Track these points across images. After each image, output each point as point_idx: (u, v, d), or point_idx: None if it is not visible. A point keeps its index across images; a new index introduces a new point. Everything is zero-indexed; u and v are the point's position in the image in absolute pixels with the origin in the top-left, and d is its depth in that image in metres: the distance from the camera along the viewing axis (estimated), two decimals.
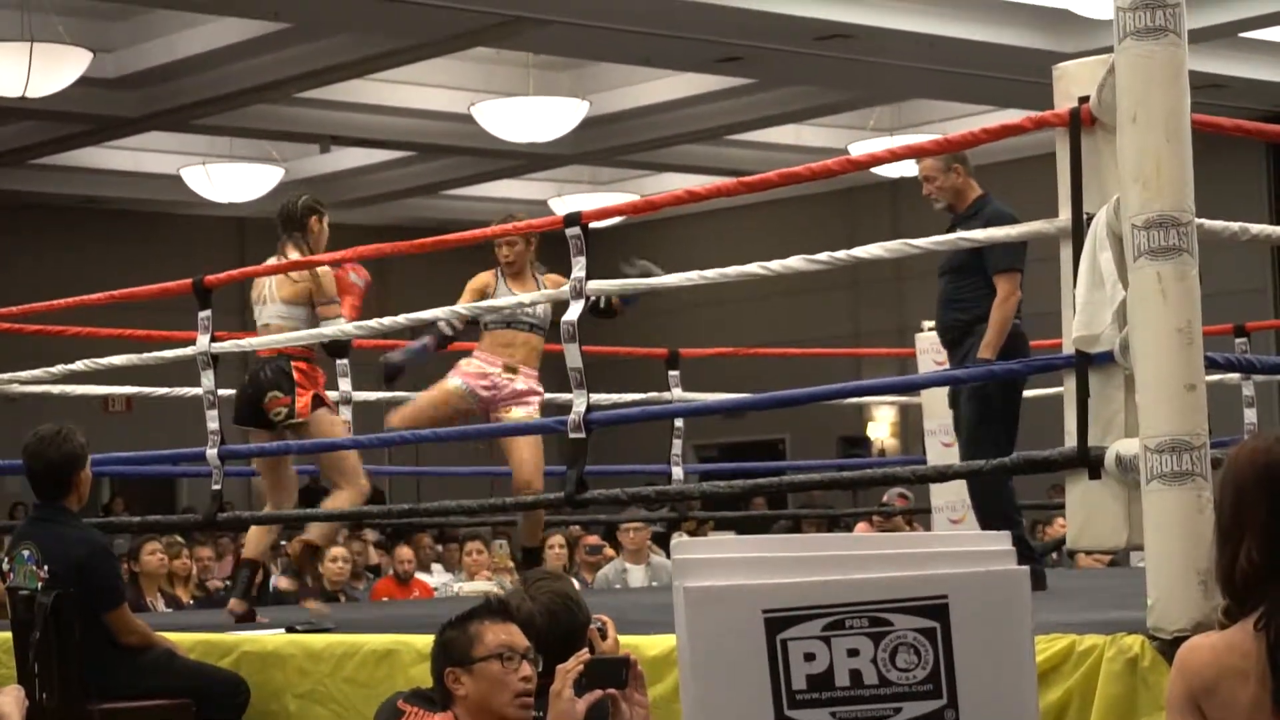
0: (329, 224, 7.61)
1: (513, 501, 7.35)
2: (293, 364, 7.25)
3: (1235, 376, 8.32)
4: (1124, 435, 4.54)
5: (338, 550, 11.29)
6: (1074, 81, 4.79)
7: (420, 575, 11.91)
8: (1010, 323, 6.75)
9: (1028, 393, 8.95)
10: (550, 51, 15.69)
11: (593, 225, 6.04)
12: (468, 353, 7.79)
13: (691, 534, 11.10)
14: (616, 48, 14.97)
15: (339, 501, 7.38)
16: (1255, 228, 5.55)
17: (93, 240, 19.96)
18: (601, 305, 7.24)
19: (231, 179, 17.97)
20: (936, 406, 8.73)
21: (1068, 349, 4.76)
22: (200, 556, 12.01)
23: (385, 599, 11.13)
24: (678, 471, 8.88)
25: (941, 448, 8.98)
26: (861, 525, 11.84)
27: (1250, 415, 8.73)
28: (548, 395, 8.97)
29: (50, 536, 6.22)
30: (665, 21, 13.88)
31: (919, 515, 11.36)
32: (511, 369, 7.60)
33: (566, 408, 6.08)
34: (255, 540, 7.65)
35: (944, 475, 6.36)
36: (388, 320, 6.97)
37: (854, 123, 18.09)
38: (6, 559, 6.44)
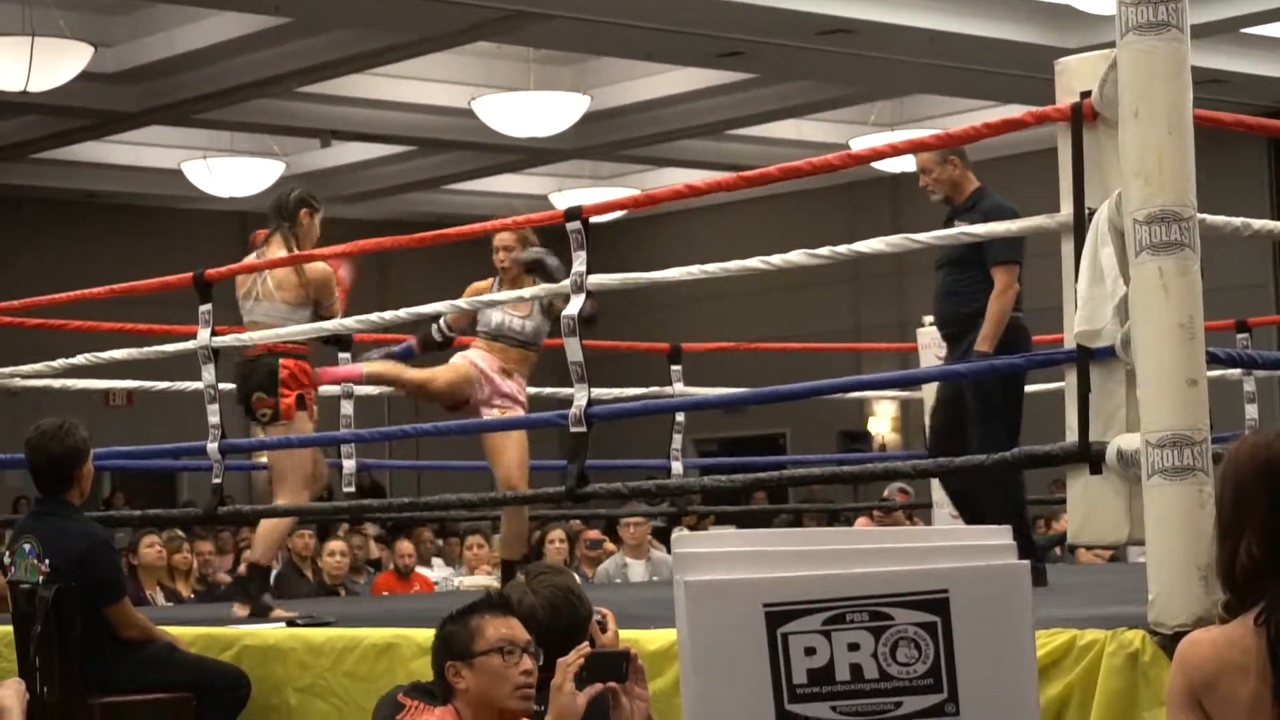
0: (324, 218, 7.57)
1: (513, 495, 7.35)
2: (282, 362, 7.23)
3: (1236, 372, 8.33)
4: (1125, 430, 4.54)
5: (335, 544, 11.30)
6: (1076, 76, 4.79)
7: (421, 569, 11.91)
8: (1007, 315, 6.74)
9: (1029, 388, 8.96)
10: (551, 46, 15.68)
11: (593, 220, 6.03)
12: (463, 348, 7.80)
13: (692, 528, 11.10)
14: (618, 42, 14.96)
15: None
16: (1257, 223, 5.56)
17: (93, 234, 19.96)
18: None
19: (232, 173, 17.98)
20: None
21: (1069, 344, 4.76)
22: (201, 551, 12.02)
23: (386, 593, 11.13)
24: (678, 466, 8.89)
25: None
26: (862, 520, 11.84)
27: (1251, 411, 8.73)
28: (549, 390, 8.99)
29: (51, 530, 6.22)
30: (666, 16, 13.88)
31: (919, 510, 11.37)
32: (506, 372, 7.61)
33: (567, 402, 6.08)
34: (265, 542, 7.62)
35: (945, 470, 6.36)
36: (389, 314, 6.97)
37: (855, 118, 18.10)
38: (8, 552, 6.44)
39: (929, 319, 8.61)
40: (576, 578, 4.94)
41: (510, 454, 7.51)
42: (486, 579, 10.34)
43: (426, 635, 4.62)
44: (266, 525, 7.56)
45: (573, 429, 5.94)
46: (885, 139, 16.33)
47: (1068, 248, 4.79)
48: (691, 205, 19.69)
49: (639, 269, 6.35)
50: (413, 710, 4.27)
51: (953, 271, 6.94)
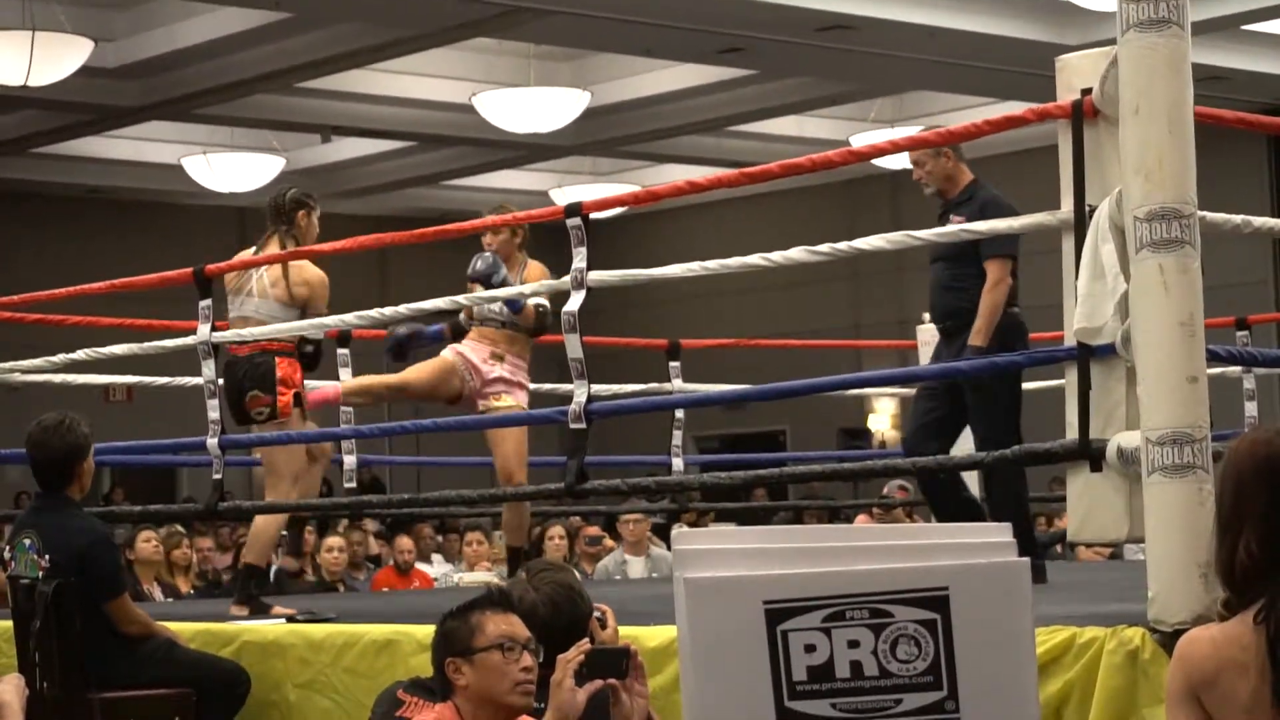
0: (324, 214, 7.55)
1: (513, 491, 7.35)
2: (278, 360, 7.20)
3: (1236, 369, 8.32)
4: (1125, 428, 4.54)
5: (334, 540, 11.30)
6: (1076, 73, 4.79)
7: (420, 565, 11.91)
8: (1000, 309, 6.72)
9: (1029, 385, 8.96)
10: (551, 42, 15.68)
11: (593, 216, 6.03)
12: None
13: (692, 525, 11.11)
14: (618, 38, 14.96)
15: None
16: (1257, 220, 5.56)
17: (94, 229, 19.96)
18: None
19: (232, 168, 17.97)
20: None
21: (1069, 341, 4.76)
22: (201, 548, 12.03)
23: (385, 589, 11.13)
24: (678, 463, 8.89)
25: None
26: (862, 517, 11.84)
27: (1251, 408, 8.73)
28: (548, 386, 8.98)
29: (52, 526, 6.22)
30: (666, 12, 13.88)
31: (919, 507, 11.36)
32: (498, 356, 7.62)
33: (567, 398, 6.08)
34: (259, 543, 7.61)
35: (944, 467, 6.36)
36: (389, 310, 6.97)
37: (855, 114, 18.09)
38: (8, 548, 6.45)
39: (929, 315, 8.61)
40: (577, 574, 4.95)
41: (507, 443, 7.52)
42: (486, 575, 10.34)
43: (426, 631, 4.62)
44: (260, 525, 7.55)
45: (572, 425, 5.94)
46: (885, 136, 16.32)
47: (1068, 245, 4.79)
48: (691, 202, 19.69)
49: (639, 265, 6.35)
50: (412, 706, 4.27)
51: (949, 265, 6.92)
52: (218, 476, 7.20)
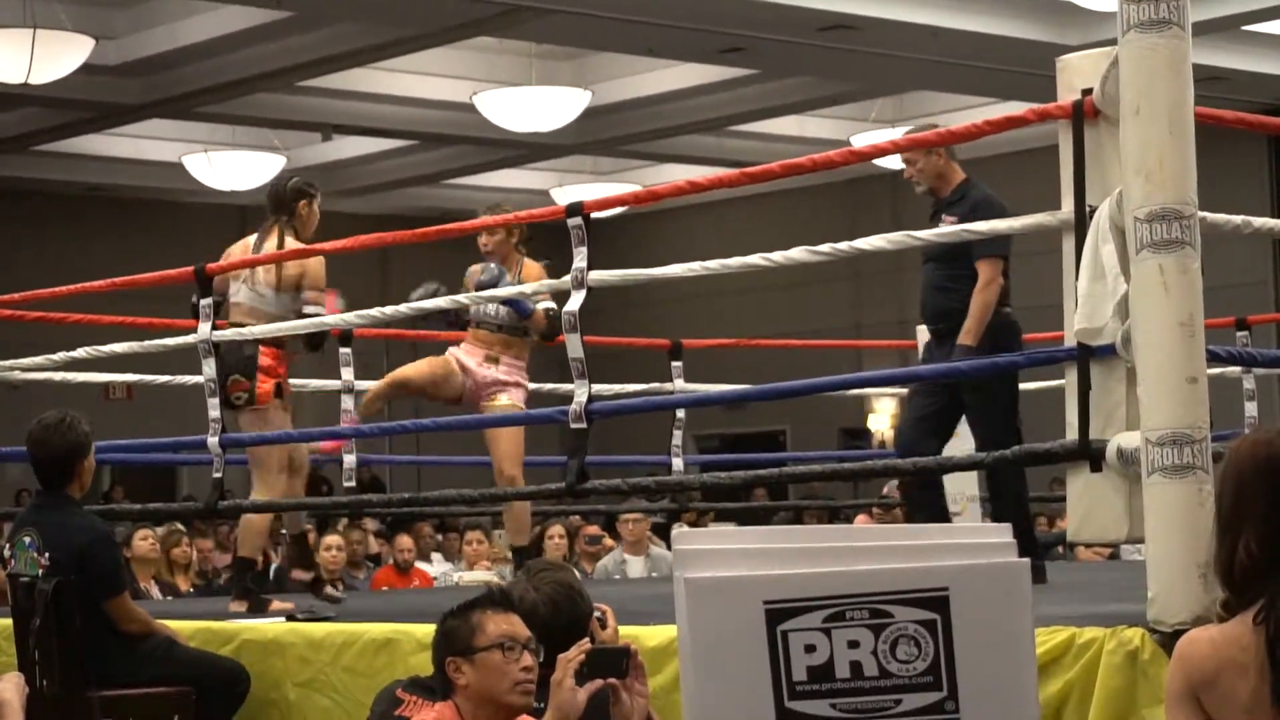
0: (322, 208, 7.55)
1: (513, 491, 7.35)
2: (262, 349, 7.22)
3: (1236, 370, 8.32)
4: (1125, 428, 4.54)
5: (332, 539, 11.30)
6: (1077, 74, 4.79)
7: (420, 564, 11.91)
8: (991, 309, 6.71)
9: (1029, 385, 8.96)
10: (552, 41, 15.68)
11: (594, 216, 6.03)
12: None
13: (692, 525, 11.11)
14: (619, 38, 14.96)
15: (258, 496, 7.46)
16: (1257, 221, 5.56)
17: (94, 227, 19.96)
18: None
19: (233, 167, 17.97)
20: None
21: (1069, 341, 4.76)
22: (202, 549, 12.04)
23: (385, 588, 11.13)
24: (678, 462, 8.89)
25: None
26: (862, 517, 11.84)
27: (1251, 409, 8.73)
28: (549, 386, 8.98)
29: (52, 524, 6.22)
30: (668, 12, 13.87)
31: None
32: (492, 359, 7.62)
33: (568, 398, 6.08)
34: (248, 536, 7.63)
35: (944, 468, 6.37)
36: (389, 309, 6.97)
37: (856, 114, 18.09)
38: (8, 545, 6.45)
39: (920, 316, 8.59)
40: (576, 574, 4.95)
41: (501, 443, 7.52)
42: (486, 574, 10.34)
43: (426, 630, 4.62)
44: (247, 520, 7.58)
45: (573, 425, 5.94)
46: (886, 136, 16.32)
47: (1069, 245, 4.78)
48: (692, 201, 19.68)
49: (640, 265, 6.35)
50: (411, 705, 4.27)
51: (941, 266, 6.89)
52: (218, 475, 7.20)
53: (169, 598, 10.17)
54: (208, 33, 15.05)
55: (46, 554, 6.15)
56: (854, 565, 2.78)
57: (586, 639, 4.06)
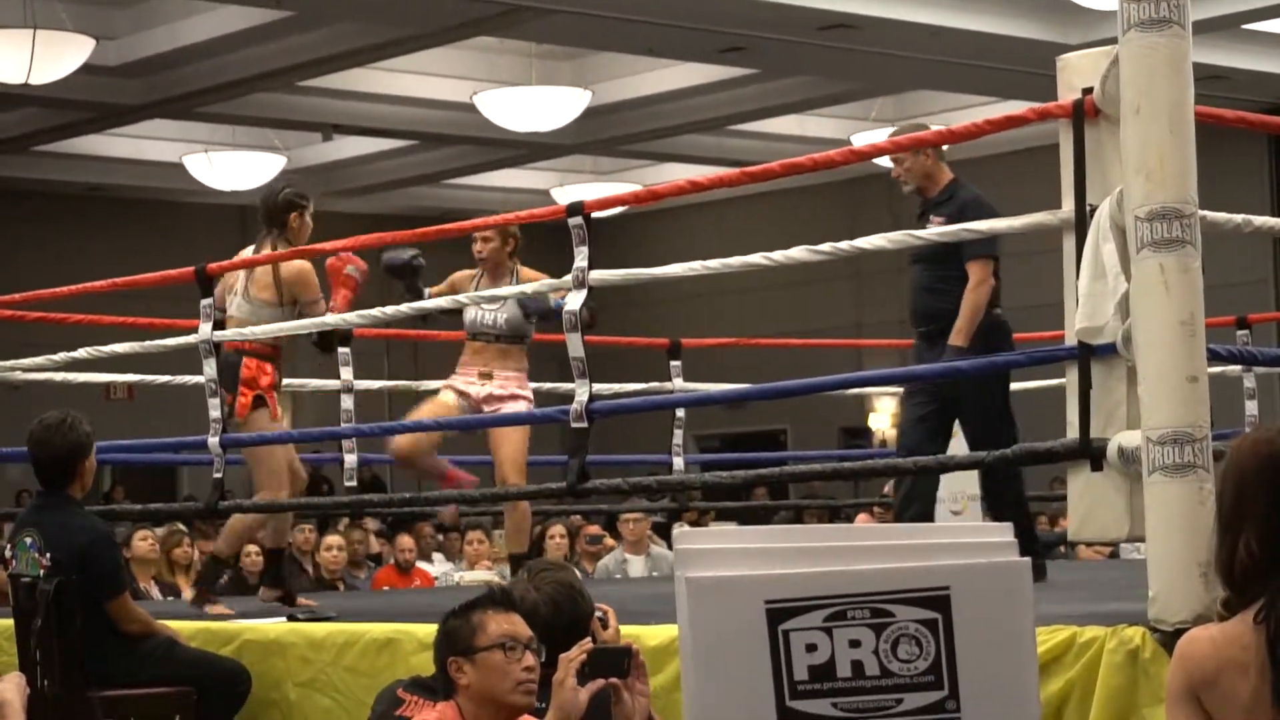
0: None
1: (515, 491, 7.35)
2: (245, 361, 7.21)
3: (1237, 369, 8.32)
4: (1126, 427, 4.54)
5: (332, 539, 11.31)
6: (1077, 73, 4.79)
7: (421, 564, 11.91)
8: (981, 310, 6.69)
9: (1029, 384, 8.95)
10: (553, 41, 15.68)
11: (595, 215, 6.03)
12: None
13: (693, 525, 11.11)
14: (619, 37, 14.96)
15: (249, 520, 7.49)
16: (1257, 220, 5.56)
17: (95, 228, 19.96)
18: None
19: (234, 167, 17.97)
20: None
21: (1070, 340, 4.76)
22: (205, 550, 12.03)
23: (386, 588, 11.13)
24: (679, 462, 8.89)
25: (949, 514, 8.99)
26: (863, 516, 11.84)
27: (1251, 407, 8.73)
28: (549, 385, 8.98)
29: (53, 524, 6.22)
30: (668, 11, 13.87)
31: None
32: (486, 374, 7.59)
33: (568, 397, 6.08)
34: (231, 536, 7.66)
35: (945, 467, 6.37)
36: (390, 309, 6.97)
37: (856, 114, 18.09)
38: (9, 546, 6.45)
39: (909, 318, 8.56)
40: (577, 574, 4.95)
41: (504, 448, 7.48)
42: (487, 574, 10.35)
43: (427, 630, 4.62)
44: (232, 522, 7.61)
45: (574, 424, 5.94)
46: (887, 135, 16.31)
47: (1069, 244, 4.78)
48: (693, 201, 19.68)
49: (640, 264, 6.35)
50: (412, 705, 4.28)
51: (930, 267, 6.85)
52: (218, 475, 7.21)
53: (169, 598, 10.17)
54: (208, 33, 15.05)
55: (47, 554, 6.15)
56: (855, 565, 2.78)
57: (588, 639, 4.06)
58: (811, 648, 2.76)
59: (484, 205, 18.36)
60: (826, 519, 12.98)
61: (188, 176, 18.22)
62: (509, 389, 7.57)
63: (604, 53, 16.46)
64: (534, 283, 6.90)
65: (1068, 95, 4.77)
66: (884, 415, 19.67)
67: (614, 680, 3.82)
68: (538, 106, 15.82)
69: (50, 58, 13.59)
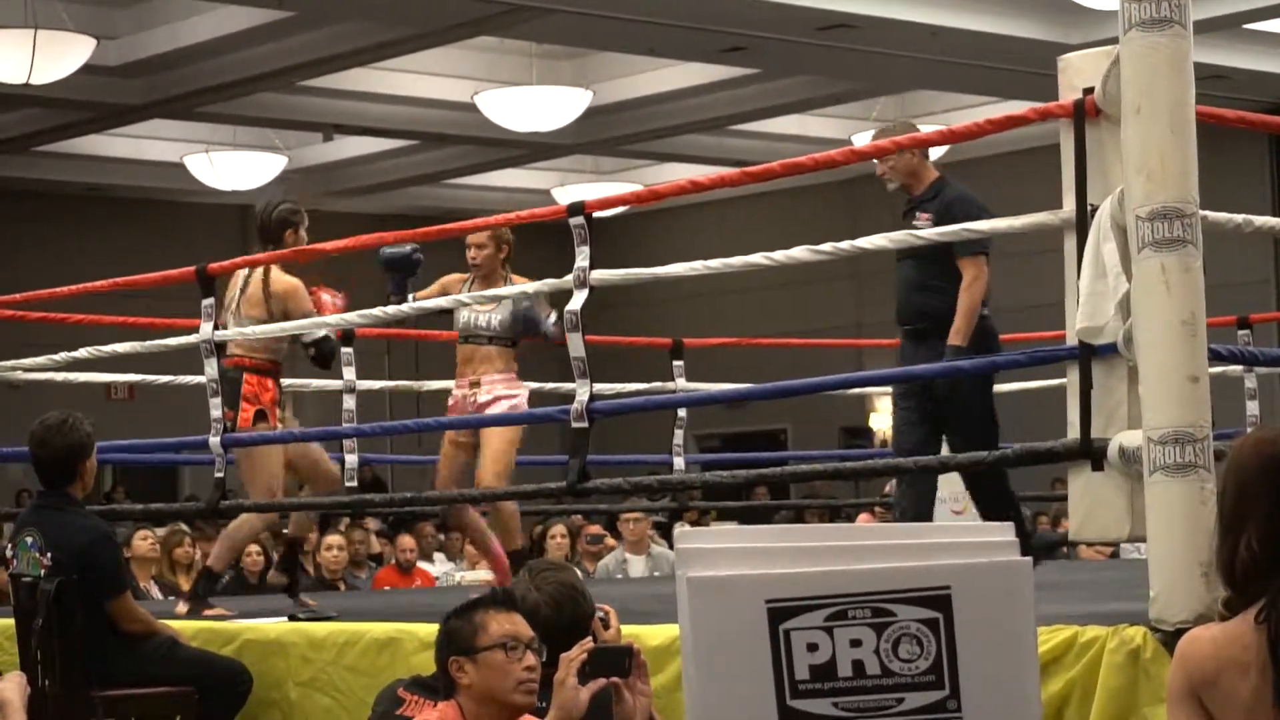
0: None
1: (515, 491, 7.34)
2: (245, 377, 7.24)
3: (1238, 369, 8.32)
4: (1127, 427, 4.54)
5: (333, 539, 11.31)
6: (1078, 73, 4.78)
7: (422, 564, 11.92)
8: (979, 307, 6.67)
9: (1029, 384, 8.95)
10: (554, 41, 15.67)
11: (596, 215, 6.03)
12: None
13: (693, 524, 11.11)
14: (620, 37, 14.96)
15: (239, 519, 7.48)
16: (1258, 219, 5.55)
17: (96, 227, 19.95)
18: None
19: (235, 167, 17.96)
20: None
21: (1071, 340, 4.76)
22: (206, 551, 12.02)
23: (387, 588, 11.14)
24: (680, 461, 8.88)
25: (951, 514, 8.98)
26: (864, 516, 11.85)
27: (1253, 407, 8.72)
28: (550, 385, 8.98)
29: (54, 523, 6.22)
30: (669, 11, 13.87)
31: None
32: (475, 383, 7.56)
33: (569, 397, 6.08)
34: (223, 547, 7.67)
35: (946, 467, 6.37)
36: (391, 309, 6.96)
37: (857, 113, 18.08)
38: (10, 545, 6.45)
39: (896, 316, 8.52)
40: (578, 573, 4.95)
41: (486, 451, 7.42)
42: (488, 574, 10.34)
43: (428, 630, 4.62)
44: (230, 529, 7.61)
45: (574, 424, 5.93)
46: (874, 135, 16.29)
47: (1070, 244, 4.78)
48: (694, 201, 19.67)
49: (641, 264, 6.34)
50: (412, 705, 4.28)
51: (919, 264, 6.81)
52: (220, 475, 7.20)
53: (170, 598, 10.17)
54: (209, 33, 15.05)
55: (48, 554, 6.15)
56: (856, 564, 2.78)
57: (589, 638, 4.06)
58: (812, 647, 2.76)
59: (485, 205, 18.37)
60: (827, 519, 12.99)
61: (189, 176, 18.22)
62: (494, 392, 7.51)
63: (605, 52, 16.45)
64: (533, 284, 6.89)
65: (1069, 95, 4.77)
66: (885, 415, 19.64)
67: (615, 680, 3.83)
68: (539, 106, 15.82)
69: (51, 57, 13.59)
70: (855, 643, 2.76)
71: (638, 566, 10.78)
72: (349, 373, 8.46)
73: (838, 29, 14.35)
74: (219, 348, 7.07)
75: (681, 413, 8.93)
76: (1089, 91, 4.68)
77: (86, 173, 19.49)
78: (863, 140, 15.64)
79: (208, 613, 7.15)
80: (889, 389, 14.15)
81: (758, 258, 5.69)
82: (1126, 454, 4.48)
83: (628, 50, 15.87)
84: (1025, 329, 9.65)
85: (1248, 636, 2.97)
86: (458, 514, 7.92)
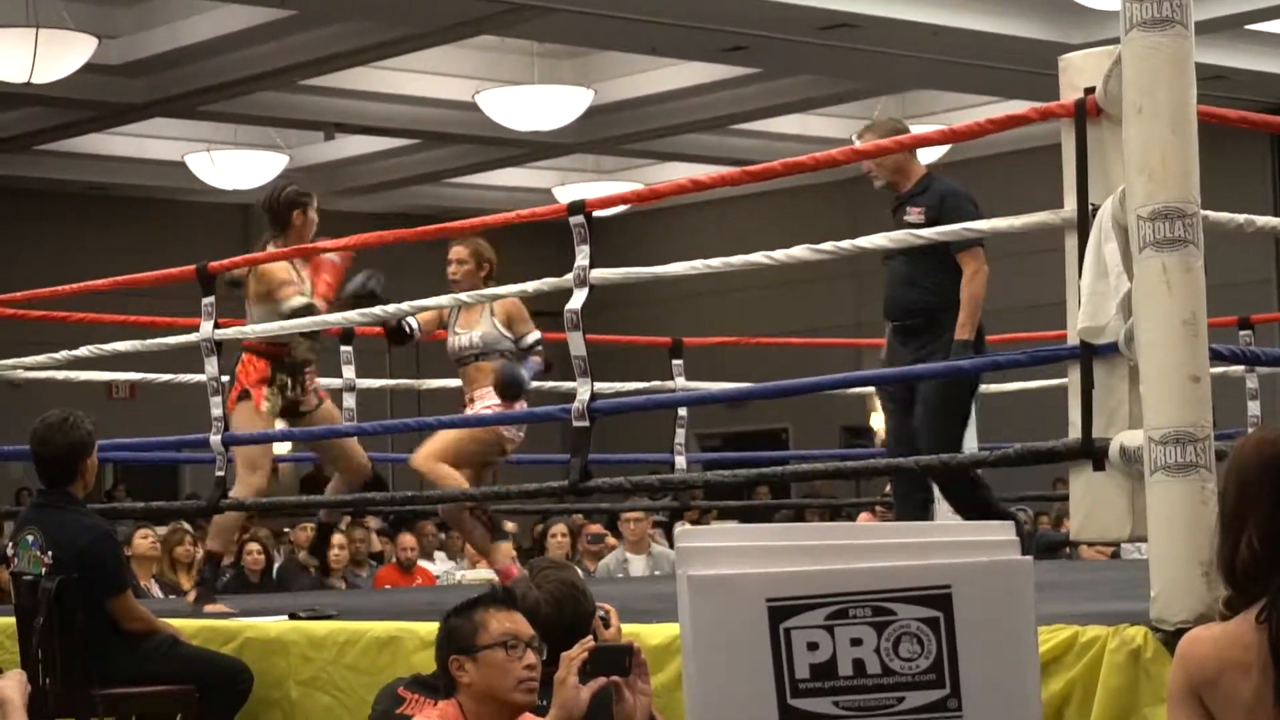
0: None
1: (516, 490, 7.34)
2: (243, 356, 7.32)
3: (1239, 369, 8.32)
4: (1128, 427, 4.54)
5: (335, 538, 11.30)
6: (1080, 72, 4.78)
7: (423, 563, 11.92)
8: (981, 299, 6.64)
9: (1030, 384, 8.95)
10: (555, 40, 15.68)
11: (596, 214, 6.03)
12: None
13: (694, 523, 11.10)
14: (621, 36, 14.96)
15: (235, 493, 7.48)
16: (1260, 220, 5.55)
17: (97, 227, 19.96)
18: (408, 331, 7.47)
19: (236, 166, 17.97)
20: None
21: (1072, 340, 4.76)
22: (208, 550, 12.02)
23: (388, 586, 11.14)
24: (681, 460, 8.88)
25: None
26: (864, 515, 11.84)
27: (1254, 407, 8.72)
28: (550, 384, 8.98)
29: (55, 522, 6.22)
30: (670, 10, 13.88)
31: None
32: (471, 400, 7.61)
33: (570, 396, 6.07)
34: (219, 531, 7.68)
35: (947, 466, 6.36)
36: (391, 308, 6.97)
37: (858, 113, 18.05)
38: (11, 544, 6.45)
39: (884, 312, 8.47)
40: (579, 573, 4.95)
41: (440, 436, 7.44)
42: (489, 572, 10.34)
43: (429, 629, 4.62)
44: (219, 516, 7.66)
45: (575, 423, 5.93)
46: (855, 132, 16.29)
47: (1071, 243, 4.78)
48: (694, 200, 19.68)
49: (642, 263, 6.35)
50: (412, 703, 4.28)
51: (908, 260, 6.73)
52: (220, 473, 7.21)
53: (171, 596, 10.17)
54: (210, 32, 15.06)
55: (49, 552, 6.15)
56: (856, 563, 2.78)
57: (589, 637, 4.06)
58: (813, 646, 2.76)
59: (486, 204, 18.37)
60: (828, 518, 12.98)
61: (190, 176, 18.23)
62: (485, 401, 7.53)
63: (606, 52, 16.46)
64: (531, 283, 6.89)
65: (1070, 95, 4.77)
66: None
67: (615, 678, 3.83)
68: (540, 105, 15.82)
69: (52, 57, 13.59)
70: (856, 641, 2.76)
71: (638, 566, 10.78)
72: (349, 371, 8.47)
73: (839, 28, 14.36)
74: (219, 346, 7.08)
75: (682, 412, 8.93)
76: (1090, 91, 4.68)
77: (88, 172, 19.50)
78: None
79: (209, 609, 7.15)
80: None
81: (758, 257, 5.69)
82: (1128, 454, 4.47)
83: (629, 49, 15.87)
84: (1026, 328, 9.65)
85: (1249, 636, 2.97)
86: (455, 514, 7.93)
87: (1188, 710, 3.01)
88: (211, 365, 7.05)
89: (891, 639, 2.76)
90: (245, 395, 7.29)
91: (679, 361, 9.37)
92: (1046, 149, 5.46)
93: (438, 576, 11.62)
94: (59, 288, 8.09)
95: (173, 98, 16.35)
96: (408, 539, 11.67)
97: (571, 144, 18.38)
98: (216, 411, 7.09)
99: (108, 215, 20.10)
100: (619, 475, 6.50)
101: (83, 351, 8.00)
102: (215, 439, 7.11)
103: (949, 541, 2.83)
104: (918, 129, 7.45)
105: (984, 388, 8.21)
